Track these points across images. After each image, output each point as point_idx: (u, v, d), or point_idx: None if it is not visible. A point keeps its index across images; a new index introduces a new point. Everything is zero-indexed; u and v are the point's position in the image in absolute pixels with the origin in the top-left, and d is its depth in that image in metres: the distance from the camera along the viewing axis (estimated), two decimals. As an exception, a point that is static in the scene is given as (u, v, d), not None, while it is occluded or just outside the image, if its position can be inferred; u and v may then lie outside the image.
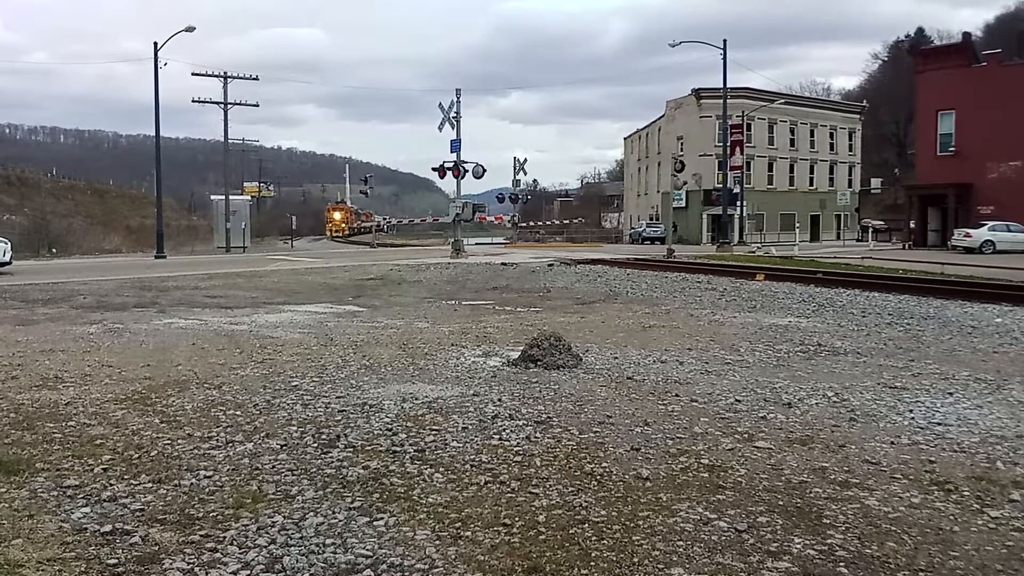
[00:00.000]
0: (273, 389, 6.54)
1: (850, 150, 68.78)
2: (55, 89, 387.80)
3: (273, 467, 4.51)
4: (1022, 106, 35.45)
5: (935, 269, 21.49)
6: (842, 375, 7.44)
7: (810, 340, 9.58)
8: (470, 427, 5.38)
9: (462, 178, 31.76)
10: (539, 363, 7.55)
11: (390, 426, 5.38)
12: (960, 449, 4.99)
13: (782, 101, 59.49)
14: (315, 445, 4.94)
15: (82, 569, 3.22)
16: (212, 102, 46.77)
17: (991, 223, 34.09)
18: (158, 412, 5.74)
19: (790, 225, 51.96)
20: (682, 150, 49.47)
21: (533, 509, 3.90)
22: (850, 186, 63.43)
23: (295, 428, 5.33)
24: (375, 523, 3.71)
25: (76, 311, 12.64)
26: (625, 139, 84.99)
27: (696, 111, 59.88)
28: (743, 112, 48.22)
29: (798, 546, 3.50)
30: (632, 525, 3.71)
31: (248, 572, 3.23)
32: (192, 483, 4.23)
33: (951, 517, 3.85)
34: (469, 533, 3.60)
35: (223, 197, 46.24)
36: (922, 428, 5.49)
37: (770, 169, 63.31)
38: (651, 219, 63.68)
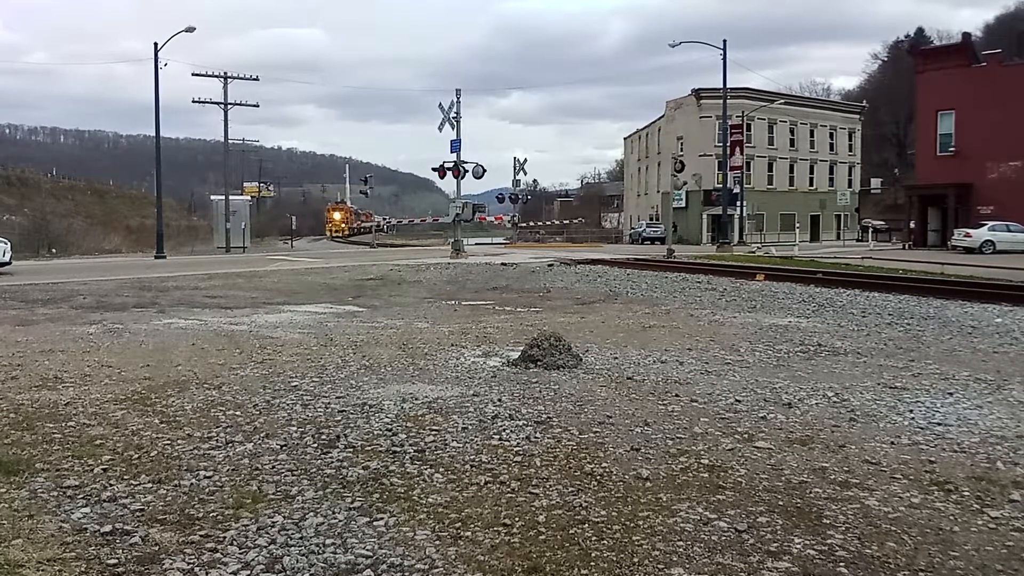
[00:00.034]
0: (273, 389, 6.54)
1: (850, 150, 68.79)
2: (55, 89, 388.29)
3: (273, 467, 4.51)
4: (1022, 106, 35.45)
5: (935, 269, 21.49)
6: (842, 375, 7.44)
7: (810, 340, 9.58)
8: (470, 427, 5.38)
9: (462, 178, 31.78)
10: (539, 363, 7.55)
11: (390, 426, 5.38)
12: (960, 449, 4.99)
13: (782, 101, 59.51)
14: (315, 445, 4.94)
15: (82, 569, 3.22)
16: (212, 102, 46.82)
17: (991, 223, 34.10)
18: (158, 412, 5.74)
19: (790, 225, 51.95)
20: (682, 150, 49.43)
21: (533, 509, 3.90)
22: (850, 186, 63.43)
23: (295, 428, 5.33)
24: (375, 523, 3.71)
25: (76, 311, 12.64)
26: (625, 139, 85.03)
27: (696, 111, 59.90)
28: (743, 112, 48.19)
29: (798, 546, 3.50)
30: (632, 525, 3.71)
31: (248, 572, 3.23)
32: (192, 483, 4.23)
33: (951, 517, 3.85)
34: (469, 533, 3.60)
35: (223, 197, 46.26)
36: (922, 428, 5.49)
37: (770, 169, 63.33)
38: (651, 219, 63.66)
